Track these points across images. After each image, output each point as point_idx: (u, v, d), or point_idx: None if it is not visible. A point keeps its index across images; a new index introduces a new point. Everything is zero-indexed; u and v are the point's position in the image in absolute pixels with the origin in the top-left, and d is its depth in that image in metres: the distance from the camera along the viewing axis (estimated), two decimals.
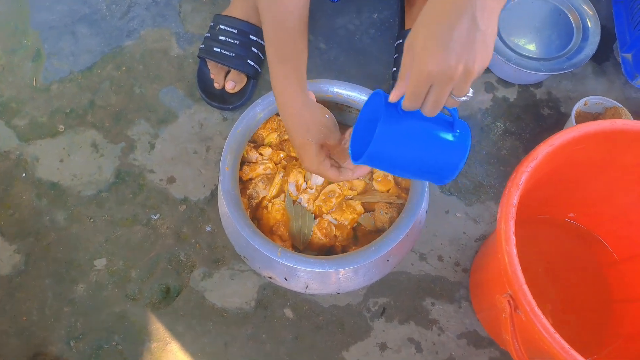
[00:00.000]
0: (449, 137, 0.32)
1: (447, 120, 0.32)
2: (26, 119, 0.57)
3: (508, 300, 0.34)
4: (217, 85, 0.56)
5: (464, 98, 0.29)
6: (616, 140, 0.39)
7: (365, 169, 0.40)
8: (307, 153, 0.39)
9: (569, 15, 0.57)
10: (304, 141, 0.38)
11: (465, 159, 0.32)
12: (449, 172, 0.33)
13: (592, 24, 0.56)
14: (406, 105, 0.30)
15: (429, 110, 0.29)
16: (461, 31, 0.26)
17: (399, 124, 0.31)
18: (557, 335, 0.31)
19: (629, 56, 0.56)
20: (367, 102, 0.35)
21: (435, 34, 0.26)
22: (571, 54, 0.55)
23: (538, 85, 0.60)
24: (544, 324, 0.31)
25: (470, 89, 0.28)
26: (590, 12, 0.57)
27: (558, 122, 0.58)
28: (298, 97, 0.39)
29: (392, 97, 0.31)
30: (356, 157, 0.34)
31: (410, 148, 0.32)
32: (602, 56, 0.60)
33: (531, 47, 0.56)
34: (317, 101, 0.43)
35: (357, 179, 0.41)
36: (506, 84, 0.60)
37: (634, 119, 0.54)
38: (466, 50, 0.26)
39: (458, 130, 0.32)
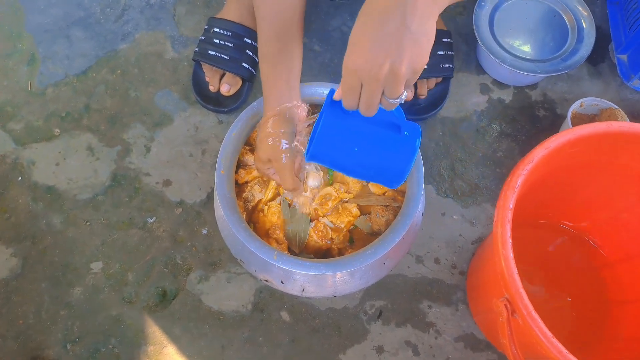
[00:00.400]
0: (393, 139, 0.31)
1: (393, 122, 0.32)
2: (22, 123, 0.57)
3: (505, 304, 0.34)
4: (212, 88, 0.56)
5: (397, 100, 0.28)
6: (612, 142, 0.39)
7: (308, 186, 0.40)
8: (258, 152, 0.39)
9: (564, 16, 0.57)
10: (259, 145, 0.39)
11: (412, 163, 0.31)
12: (396, 176, 0.32)
13: (587, 25, 0.56)
14: (344, 102, 0.29)
15: (364, 110, 0.29)
16: (389, 30, 0.25)
17: (341, 123, 0.31)
18: (554, 340, 0.31)
19: (624, 57, 0.56)
20: (325, 100, 0.35)
21: (364, 32, 0.26)
22: (566, 56, 0.55)
23: (533, 86, 0.60)
24: (541, 328, 0.31)
25: (405, 92, 0.28)
26: (585, 13, 0.57)
27: (554, 123, 0.58)
28: (276, 101, 0.38)
29: (336, 95, 0.30)
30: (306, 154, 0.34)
31: (353, 149, 0.31)
32: (598, 57, 0.60)
33: (526, 49, 0.56)
34: (312, 104, 0.42)
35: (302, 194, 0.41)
36: (501, 85, 0.60)
37: (630, 120, 0.54)
38: (393, 50, 0.26)
39: (406, 133, 0.31)
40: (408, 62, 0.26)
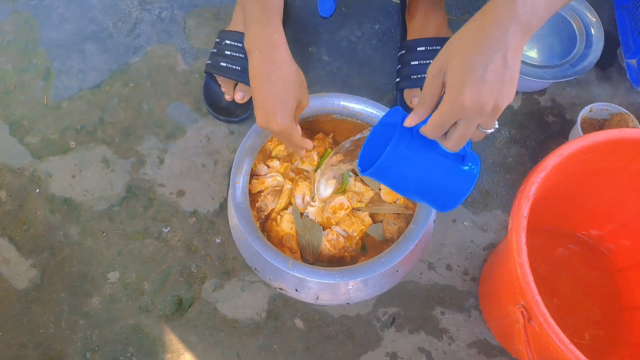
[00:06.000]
0: (457, 169, 0.32)
1: (459, 152, 0.32)
2: (38, 137, 0.58)
3: (521, 311, 0.34)
4: (227, 98, 0.57)
5: (490, 131, 0.30)
6: (625, 149, 0.39)
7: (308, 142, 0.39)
8: (285, 107, 0.35)
9: (572, 22, 0.58)
10: (285, 96, 0.35)
11: (469, 191, 0.32)
12: (451, 202, 0.33)
13: (596, 30, 0.56)
14: (428, 133, 0.30)
15: (454, 145, 0.30)
16: (495, 68, 0.27)
17: (410, 148, 0.32)
18: (572, 346, 0.31)
19: (633, 62, 0.56)
20: (385, 116, 0.36)
21: (472, 68, 0.27)
22: (575, 61, 0.56)
23: (542, 92, 0.60)
24: (558, 335, 0.32)
25: (496, 122, 0.30)
26: (594, 20, 0.57)
27: (563, 129, 0.58)
28: (285, 45, 0.36)
29: (410, 122, 0.31)
30: (364, 169, 0.34)
31: (417, 173, 0.32)
32: (606, 62, 0.60)
33: (534, 55, 0.57)
34: (322, 116, 0.43)
35: (305, 152, 0.40)
36: None
37: None
38: (497, 87, 0.27)
39: (470, 164, 0.32)
40: (507, 97, 0.28)
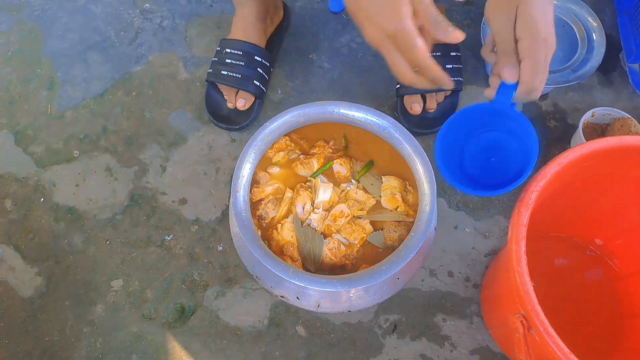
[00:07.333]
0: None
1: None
2: (42, 146, 0.59)
3: (521, 320, 0.34)
4: (230, 105, 0.58)
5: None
6: (625, 156, 0.39)
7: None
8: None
9: (573, 26, 0.57)
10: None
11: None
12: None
13: (597, 35, 0.56)
14: (515, 78, 0.34)
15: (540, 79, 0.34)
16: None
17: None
18: (572, 356, 0.31)
19: (636, 66, 0.56)
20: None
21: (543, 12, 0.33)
22: (576, 66, 0.55)
23: (543, 97, 0.59)
24: (558, 344, 0.32)
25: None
26: (595, 24, 0.56)
27: (565, 133, 0.58)
28: None
29: (492, 82, 0.35)
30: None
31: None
32: (609, 66, 0.60)
33: None
34: (323, 124, 0.43)
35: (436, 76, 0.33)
36: None
37: None
38: None
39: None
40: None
